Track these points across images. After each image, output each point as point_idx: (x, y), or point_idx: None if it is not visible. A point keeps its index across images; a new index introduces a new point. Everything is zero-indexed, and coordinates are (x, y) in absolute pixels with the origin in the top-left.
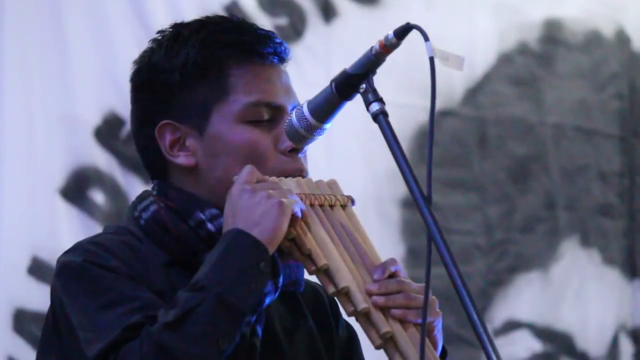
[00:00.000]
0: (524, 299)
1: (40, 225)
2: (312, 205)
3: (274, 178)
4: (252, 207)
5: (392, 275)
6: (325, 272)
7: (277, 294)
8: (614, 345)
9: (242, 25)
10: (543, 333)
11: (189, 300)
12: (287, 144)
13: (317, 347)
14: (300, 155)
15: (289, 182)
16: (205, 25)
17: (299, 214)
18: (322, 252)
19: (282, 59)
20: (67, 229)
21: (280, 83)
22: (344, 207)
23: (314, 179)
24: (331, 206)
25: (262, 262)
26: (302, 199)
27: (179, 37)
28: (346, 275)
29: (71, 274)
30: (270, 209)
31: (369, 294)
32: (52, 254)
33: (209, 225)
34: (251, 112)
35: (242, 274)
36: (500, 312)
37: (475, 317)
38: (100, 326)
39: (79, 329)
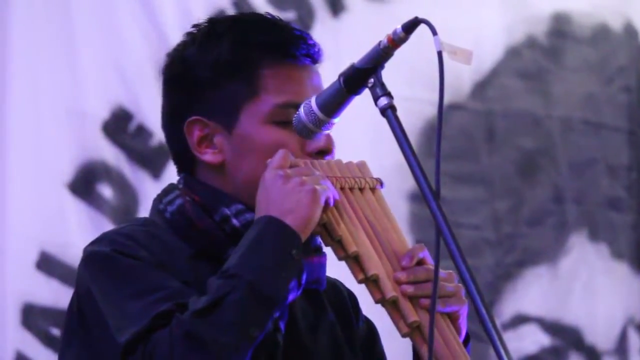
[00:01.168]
0: (533, 293)
1: (48, 219)
2: (342, 188)
3: (306, 161)
4: (285, 194)
5: (420, 262)
6: (355, 259)
7: (300, 290)
8: (623, 339)
9: (277, 24)
10: (551, 327)
11: (220, 287)
12: (315, 145)
13: (339, 342)
14: (327, 157)
15: (322, 165)
16: (240, 23)
17: (332, 201)
18: (353, 239)
19: (315, 60)
20: (75, 224)
21: (311, 84)
22: (372, 189)
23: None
24: (361, 189)
25: (295, 249)
26: (332, 183)
27: (213, 33)
28: (375, 263)
29: (99, 263)
30: (304, 197)
31: (398, 282)
32: (60, 249)
33: (234, 221)
34: (280, 113)
35: (274, 262)
36: (509, 306)
37: (483, 311)
38: (130, 314)
39: (109, 317)
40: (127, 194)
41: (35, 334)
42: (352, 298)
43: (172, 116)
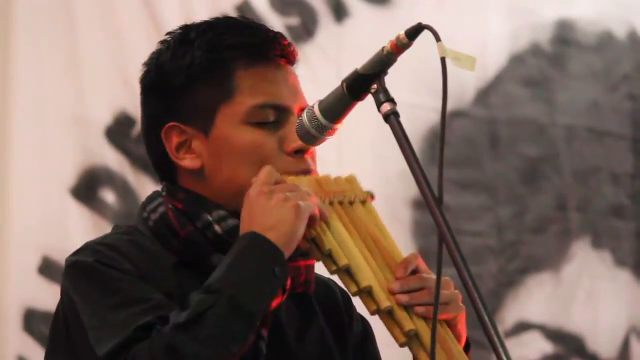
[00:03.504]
0: (535, 300)
1: (51, 225)
2: (331, 203)
3: (292, 178)
4: (268, 210)
5: (414, 272)
6: (346, 272)
7: (284, 296)
8: (625, 347)
9: (250, 26)
10: (554, 334)
11: (201, 302)
12: (293, 145)
13: (329, 345)
14: (306, 155)
15: (309, 181)
16: (212, 27)
17: (317, 216)
18: (343, 251)
19: (290, 60)
20: (77, 229)
21: (287, 84)
22: (363, 202)
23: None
24: (350, 203)
25: (277, 266)
26: (321, 198)
27: (186, 39)
28: (368, 274)
29: (82, 274)
30: (287, 213)
31: (392, 292)
32: (62, 254)
33: (216, 227)
34: (256, 114)
35: (256, 278)
36: (511, 313)
37: (486, 318)
38: (111, 325)
39: (90, 328)
40: (130, 199)
41: (37, 339)
42: (345, 297)
43: (150, 124)
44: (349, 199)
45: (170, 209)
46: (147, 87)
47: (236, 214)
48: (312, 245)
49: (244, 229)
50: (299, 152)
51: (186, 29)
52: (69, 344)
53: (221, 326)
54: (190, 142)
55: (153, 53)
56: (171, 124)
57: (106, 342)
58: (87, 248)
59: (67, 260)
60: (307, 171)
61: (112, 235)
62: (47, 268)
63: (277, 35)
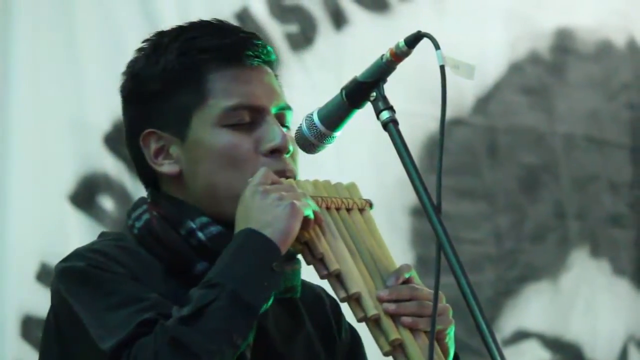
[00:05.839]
0: (534, 309)
1: (49, 231)
2: (328, 208)
3: (290, 180)
4: (264, 209)
5: (406, 282)
6: (336, 277)
7: (270, 301)
8: (623, 356)
9: (222, 28)
10: (552, 343)
11: (203, 296)
12: (268, 145)
13: (316, 351)
14: (286, 155)
15: (306, 185)
16: (185, 31)
17: (312, 217)
18: (335, 257)
19: (265, 61)
20: (76, 235)
21: (262, 85)
22: (361, 210)
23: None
24: (348, 210)
25: (275, 261)
26: (317, 202)
27: (159, 45)
28: (358, 281)
29: (76, 278)
30: (283, 211)
31: (380, 300)
32: None
33: (200, 234)
34: (231, 116)
35: (255, 272)
36: (510, 321)
37: (484, 326)
38: (113, 324)
39: (91, 327)
40: (128, 205)
41: (35, 346)
42: (334, 306)
43: (130, 132)
44: (347, 205)
45: (154, 217)
46: (125, 96)
47: (219, 220)
48: (305, 248)
49: (239, 227)
50: (275, 152)
51: (160, 35)
52: (62, 350)
53: (224, 319)
54: (168, 148)
55: (130, 61)
56: (148, 130)
57: (109, 339)
58: (76, 254)
59: (57, 267)
60: (283, 172)
61: (99, 242)
62: (45, 275)
63: (250, 36)
